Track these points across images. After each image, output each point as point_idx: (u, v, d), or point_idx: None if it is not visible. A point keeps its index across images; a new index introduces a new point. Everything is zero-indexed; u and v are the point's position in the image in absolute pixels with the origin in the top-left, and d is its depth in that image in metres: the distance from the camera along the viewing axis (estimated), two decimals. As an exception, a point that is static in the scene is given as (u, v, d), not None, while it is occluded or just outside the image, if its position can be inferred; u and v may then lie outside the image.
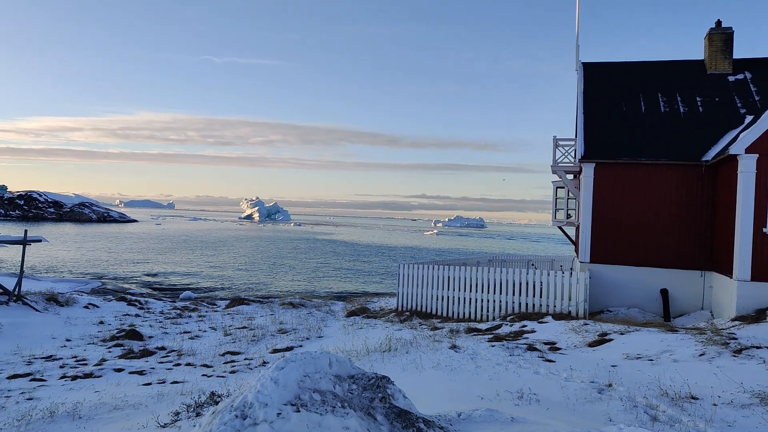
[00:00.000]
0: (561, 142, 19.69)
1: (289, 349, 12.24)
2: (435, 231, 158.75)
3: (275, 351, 11.99)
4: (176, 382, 8.99)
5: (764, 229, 13.21)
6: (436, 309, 16.94)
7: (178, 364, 10.93)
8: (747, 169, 13.35)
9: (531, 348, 9.76)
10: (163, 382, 9.11)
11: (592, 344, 10.08)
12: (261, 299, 22.41)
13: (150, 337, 13.85)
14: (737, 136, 14.04)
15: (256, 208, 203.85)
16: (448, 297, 16.77)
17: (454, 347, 9.87)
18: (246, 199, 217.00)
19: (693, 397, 6.46)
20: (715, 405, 6.20)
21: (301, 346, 12.67)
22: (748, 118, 16.20)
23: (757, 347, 8.26)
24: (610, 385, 7.08)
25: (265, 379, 4.29)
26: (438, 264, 17.59)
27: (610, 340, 10.08)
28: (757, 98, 17.56)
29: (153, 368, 10.41)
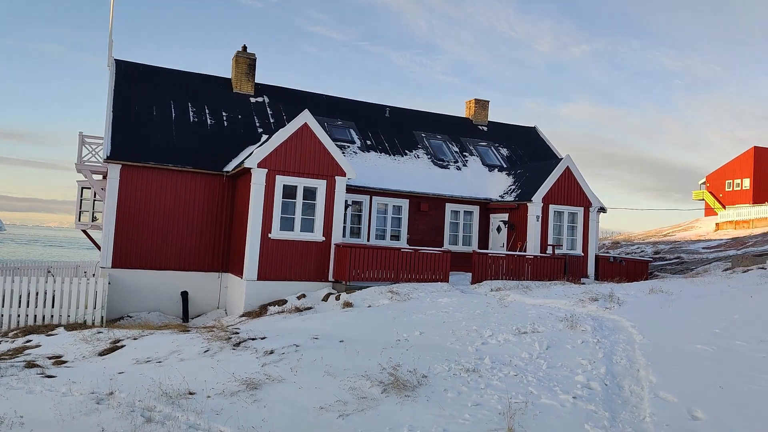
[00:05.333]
0: (88, 140, 18.48)
1: None
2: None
3: None
4: None
5: (270, 235, 15.22)
6: None
7: None
8: (258, 181, 15.15)
9: (31, 365, 8.65)
10: None
11: (103, 353, 9.62)
12: None
13: None
14: (253, 151, 15.79)
15: None
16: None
17: None
18: None
19: (191, 393, 6.78)
20: (209, 397, 6.65)
21: None
22: (264, 137, 18.40)
23: (253, 339, 9.33)
24: (111, 393, 6.83)
25: None
26: None
27: (123, 346, 9.82)
28: (272, 120, 20.21)
29: None
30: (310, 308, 13.91)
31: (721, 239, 36.31)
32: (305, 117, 15.92)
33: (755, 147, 59.52)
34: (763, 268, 17.76)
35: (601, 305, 11.32)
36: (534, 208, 18.84)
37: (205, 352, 8.77)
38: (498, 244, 20.28)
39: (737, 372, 6.88)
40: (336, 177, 16.12)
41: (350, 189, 17.71)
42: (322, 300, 14.66)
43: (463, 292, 14.62)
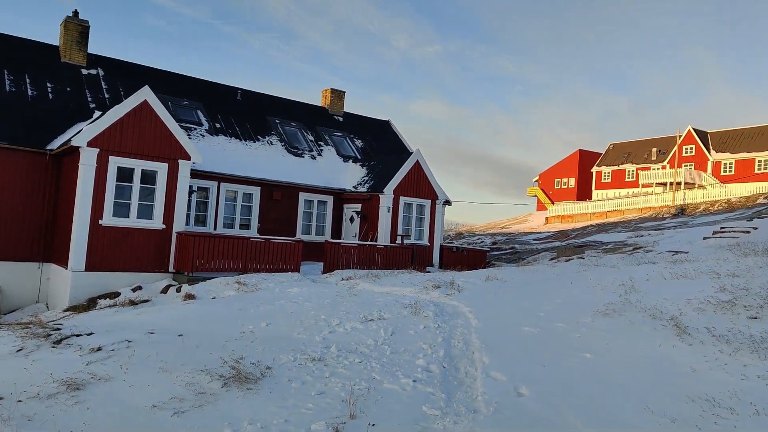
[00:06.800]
0: None
1: None
2: None
3: None
4: None
5: (101, 222, 13.93)
6: None
7: None
8: (88, 162, 13.76)
9: None
10: None
11: None
12: None
13: None
14: (83, 128, 14.32)
15: None
16: None
17: None
18: None
19: (-2, 397, 5.97)
20: (20, 401, 5.89)
21: None
22: (97, 113, 16.77)
23: (78, 335, 8.46)
24: None
25: None
26: None
27: None
28: (107, 95, 18.48)
29: None
30: (146, 301, 12.97)
31: (550, 232, 40.01)
32: (145, 93, 14.76)
33: (580, 150, 66.46)
34: (581, 258, 19.80)
35: (442, 292, 11.83)
36: (385, 199, 19.26)
37: (18, 351, 7.78)
38: (351, 234, 20.47)
39: (557, 351, 7.52)
40: (179, 160, 15.16)
41: (196, 174, 16.80)
42: (161, 292, 13.75)
43: (314, 281, 14.53)
